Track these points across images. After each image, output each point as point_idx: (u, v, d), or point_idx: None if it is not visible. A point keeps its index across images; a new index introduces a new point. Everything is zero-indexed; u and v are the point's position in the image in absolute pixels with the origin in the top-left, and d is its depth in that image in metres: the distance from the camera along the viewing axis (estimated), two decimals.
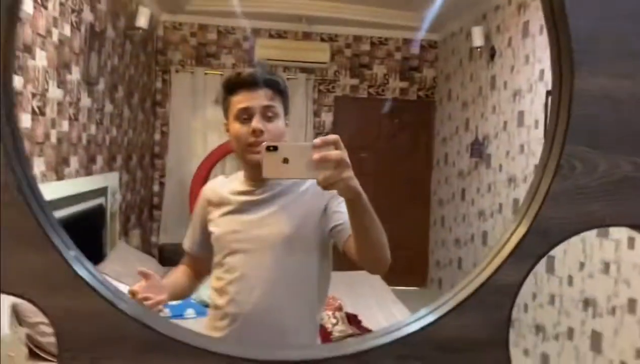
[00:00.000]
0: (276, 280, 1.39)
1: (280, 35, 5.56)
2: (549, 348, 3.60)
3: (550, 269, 3.61)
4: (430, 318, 0.50)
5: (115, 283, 3.18)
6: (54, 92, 2.93)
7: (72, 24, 3.13)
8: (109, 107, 3.89)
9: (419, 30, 5.50)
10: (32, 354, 2.33)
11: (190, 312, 3.16)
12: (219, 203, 1.48)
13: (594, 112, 0.49)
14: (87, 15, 3.37)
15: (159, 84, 5.42)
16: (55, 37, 2.91)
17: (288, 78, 5.35)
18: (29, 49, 2.60)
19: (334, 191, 1.11)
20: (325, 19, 5.31)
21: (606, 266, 3.02)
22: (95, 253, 3.52)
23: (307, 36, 5.59)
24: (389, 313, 3.37)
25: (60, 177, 3.04)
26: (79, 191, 3.19)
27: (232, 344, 0.53)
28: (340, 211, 1.34)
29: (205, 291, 3.37)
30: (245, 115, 1.38)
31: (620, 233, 2.92)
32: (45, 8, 2.78)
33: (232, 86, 1.41)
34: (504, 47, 4.33)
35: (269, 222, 1.40)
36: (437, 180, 5.83)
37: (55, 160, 2.98)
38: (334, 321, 2.87)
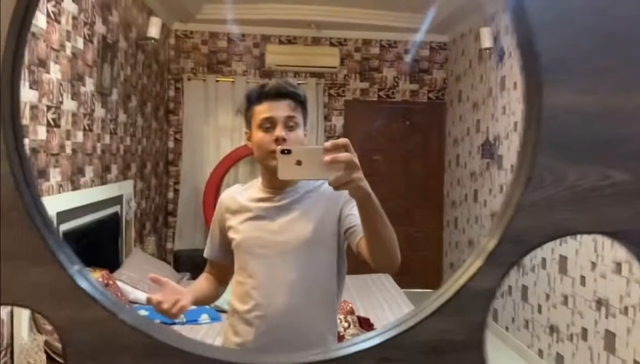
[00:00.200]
0: (298, 281, 1.45)
1: (290, 40, 5.61)
2: (563, 349, 3.59)
3: (563, 269, 3.60)
4: (412, 322, 0.53)
5: (130, 289, 3.25)
6: (68, 104, 3.00)
7: (84, 37, 3.20)
8: (122, 117, 3.96)
9: (428, 32, 5.52)
10: (50, 360, 2.39)
11: (204, 317, 3.20)
12: (238, 210, 1.53)
13: (562, 126, 0.52)
14: (100, 28, 3.44)
15: (171, 92, 5.50)
16: (68, 51, 2.98)
17: (298, 83, 5.37)
18: (43, 63, 2.67)
19: (348, 196, 1.22)
20: (334, 23, 5.35)
21: (618, 266, 3.01)
22: (112, 261, 3.58)
23: (316, 41, 5.64)
24: (401, 315, 3.39)
25: (75, 187, 3.11)
26: (95, 200, 3.26)
27: (227, 351, 0.56)
28: (353, 214, 1.40)
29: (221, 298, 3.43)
30: (269, 124, 1.45)
31: None
32: (59, 22, 2.85)
33: (257, 97, 1.49)
34: (513, 47, 4.33)
35: (290, 228, 1.47)
36: (449, 181, 5.83)
37: (71, 170, 3.05)
38: (345, 324, 2.90)
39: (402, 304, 3.63)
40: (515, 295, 4.33)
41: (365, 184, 1.14)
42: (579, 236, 3.21)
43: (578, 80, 0.52)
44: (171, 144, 5.53)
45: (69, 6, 2.98)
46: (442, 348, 0.52)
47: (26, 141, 2.51)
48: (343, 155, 1.07)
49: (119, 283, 3.16)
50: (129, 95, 4.13)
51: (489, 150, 4.67)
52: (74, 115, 3.07)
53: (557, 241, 2.95)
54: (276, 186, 1.50)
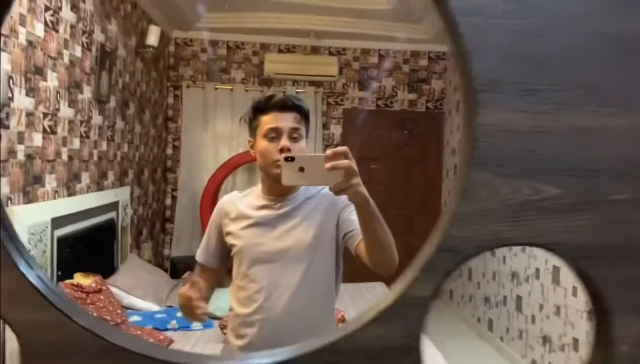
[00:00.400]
0: (300, 284, 1.51)
1: (289, 49, 5.66)
2: (555, 359, 3.60)
3: (556, 280, 3.62)
4: (354, 327, 0.56)
5: (125, 295, 3.27)
6: (65, 111, 3.04)
7: (82, 45, 3.25)
8: (120, 124, 4.00)
9: (426, 42, 5.56)
10: None
11: (197, 324, 3.22)
12: (238, 217, 1.59)
13: (496, 143, 0.55)
14: (98, 36, 3.49)
15: (170, 100, 5.55)
16: (66, 59, 3.02)
17: (297, 92, 5.45)
18: (40, 71, 2.71)
19: (346, 202, 1.35)
20: (333, 33, 5.40)
21: None
22: (107, 266, 3.61)
23: (315, 50, 5.69)
24: None
25: (71, 193, 3.14)
26: (90, 206, 3.30)
27: (177, 353, 0.59)
28: (351, 219, 1.47)
29: (210, 304, 3.45)
30: (274, 134, 1.52)
31: None
32: (57, 31, 2.89)
33: (264, 107, 1.56)
34: None
35: (291, 234, 1.53)
36: (447, 191, 5.85)
37: (67, 176, 3.08)
38: None
39: None
40: (510, 305, 4.34)
41: (363, 189, 1.22)
42: None
43: (512, 101, 0.55)
44: (169, 151, 5.57)
45: (67, 15, 3.02)
46: (381, 353, 0.55)
47: (21, 147, 2.54)
48: (343, 162, 1.15)
49: (113, 289, 3.18)
50: (127, 103, 4.17)
51: None
52: (70, 122, 3.11)
53: None
54: (276, 193, 1.57)
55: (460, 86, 0.57)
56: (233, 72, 5.62)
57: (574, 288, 3.39)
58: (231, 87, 5.52)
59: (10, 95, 2.42)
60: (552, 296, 3.67)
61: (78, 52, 3.19)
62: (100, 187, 3.61)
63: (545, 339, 3.74)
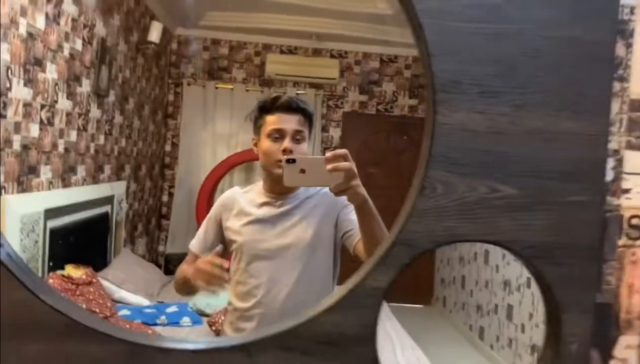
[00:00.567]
0: (299, 281, 1.55)
1: (291, 50, 5.68)
2: None
3: None
4: (311, 315, 0.58)
5: (115, 288, 3.29)
6: (63, 104, 3.06)
7: (83, 39, 3.27)
8: (118, 118, 4.03)
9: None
10: None
11: (186, 320, 3.24)
12: (239, 213, 1.62)
13: (455, 142, 0.57)
14: (100, 30, 3.52)
15: (171, 97, 5.57)
16: (66, 52, 3.04)
17: (297, 93, 5.47)
18: (39, 63, 2.73)
19: (346, 202, 1.41)
20: (335, 36, 5.42)
21: None
22: (99, 260, 3.63)
23: (317, 52, 5.71)
24: (382, 328, 3.41)
25: (66, 185, 3.16)
26: (85, 199, 3.31)
27: (135, 333, 0.60)
28: (350, 219, 1.52)
29: (201, 300, 3.47)
30: (277, 135, 1.56)
31: None
32: (58, 24, 2.92)
33: (269, 107, 1.60)
34: None
35: (290, 232, 1.57)
36: None
37: (62, 168, 3.10)
38: None
39: (385, 318, 3.65)
40: (500, 313, 4.35)
41: (363, 190, 1.27)
42: None
43: (471, 102, 0.57)
44: (168, 148, 5.59)
45: (69, 8, 3.05)
46: (337, 340, 0.57)
47: (17, 137, 2.57)
48: (343, 164, 1.19)
49: (104, 282, 3.20)
50: (127, 98, 4.19)
51: None
52: (68, 114, 3.13)
53: None
54: (278, 192, 1.60)
55: (426, 85, 0.59)
56: (234, 71, 5.65)
57: None
58: (232, 87, 5.54)
59: (8, 85, 2.44)
60: (542, 306, 3.67)
61: (79, 45, 3.21)
62: (96, 180, 3.63)
63: (534, 349, 3.75)
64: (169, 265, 5.02)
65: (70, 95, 3.15)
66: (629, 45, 0.62)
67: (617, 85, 0.61)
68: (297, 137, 1.56)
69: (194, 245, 1.70)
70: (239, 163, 5.19)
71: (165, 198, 5.58)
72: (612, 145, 0.62)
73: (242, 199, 1.65)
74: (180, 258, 5.24)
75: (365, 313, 0.57)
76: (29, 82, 2.65)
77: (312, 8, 4.77)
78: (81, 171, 3.38)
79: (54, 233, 2.88)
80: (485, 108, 0.57)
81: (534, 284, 3.83)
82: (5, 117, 2.44)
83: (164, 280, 4.12)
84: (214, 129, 5.52)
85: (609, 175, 0.62)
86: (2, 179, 2.45)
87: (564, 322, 0.59)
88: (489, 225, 0.57)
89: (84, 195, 3.30)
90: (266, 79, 5.59)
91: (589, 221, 0.58)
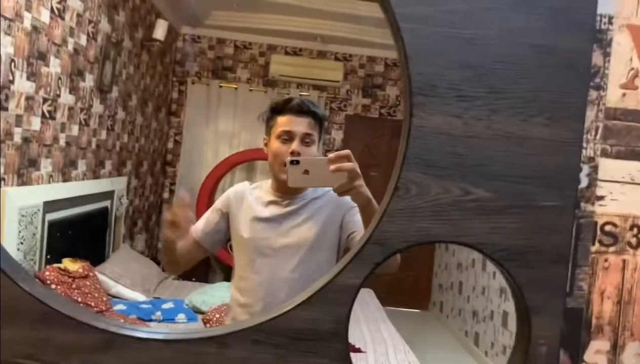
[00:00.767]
0: (300, 279, 1.56)
1: (295, 52, 5.70)
2: None
3: None
4: (284, 310, 0.59)
5: (112, 283, 3.31)
6: (66, 98, 3.08)
7: (88, 34, 3.29)
8: (121, 114, 4.05)
9: None
10: None
11: (181, 317, 3.25)
12: (246, 209, 1.65)
13: (430, 145, 0.58)
14: (105, 26, 3.54)
15: (175, 94, 5.59)
16: (70, 46, 3.07)
17: (300, 95, 5.49)
18: (43, 57, 2.75)
19: (352, 204, 1.43)
20: (340, 38, 5.43)
21: None
22: (98, 254, 3.65)
23: (321, 54, 5.72)
24: (376, 331, 3.42)
25: (66, 179, 3.18)
26: (85, 193, 3.33)
27: (109, 322, 0.62)
28: (356, 220, 1.53)
29: (197, 297, 3.48)
30: (287, 137, 1.57)
31: None
32: (62, 19, 2.94)
33: (281, 109, 1.62)
34: None
35: (296, 231, 1.59)
36: None
37: (63, 162, 3.12)
38: None
39: (379, 320, 3.66)
40: (496, 320, 4.35)
41: (366, 190, 1.28)
42: None
43: (447, 105, 0.58)
44: (170, 145, 5.61)
45: (75, 3, 3.07)
46: (309, 335, 0.58)
47: (18, 130, 2.59)
48: (346, 165, 1.21)
49: (101, 277, 3.22)
50: (130, 94, 4.21)
51: None
52: (70, 108, 3.15)
53: None
54: (285, 191, 1.62)
55: (404, 88, 0.60)
56: (239, 71, 5.67)
57: None
58: (236, 86, 5.57)
59: (11, 78, 2.46)
60: None
61: (83, 40, 3.24)
62: (96, 175, 3.65)
63: None
64: None
65: (73, 89, 3.17)
66: (606, 55, 0.63)
67: (593, 93, 0.62)
68: (306, 140, 1.58)
69: (195, 229, 1.71)
70: (240, 163, 5.20)
71: (166, 195, 5.61)
72: (588, 152, 0.63)
73: (251, 195, 1.67)
74: None
75: (337, 310, 0.58)
76: (32, 75, 2.67)
77: (318, 10, 4.78)
78: (82, 165, 3.40)
79: (53, 226, 2.90)
80: (461, 112, 0.58)
81: None
82: (7, 109, 2.46)
83: (162, 276, 4.13)
84: (216, 128, 5.54)
85: (584, 182, 0.63)
86: (2, 171, 2.47)
87: (534, 324, 0.60)
88: (462, 227, 0.58)
89: (84, 190, 3.32)
90: (270, 80, 5.61)
91: (561, 226, 0.59)
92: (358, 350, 3.02)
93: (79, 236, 3.26)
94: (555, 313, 0.59)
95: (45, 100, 2.83)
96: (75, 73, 3.17)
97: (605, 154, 0.64)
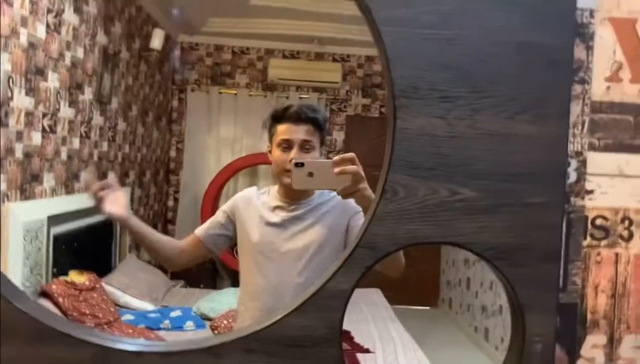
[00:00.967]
0: (305, 284, 1.56)
1: (293, 55, 5.71)
2: None
3: None
4: (278, 317, 0.59)
5: (120, 293, 3.32)
6: (65, 111, 3.10)
7: (85, 47, 3.31)
8: (122, 125, 4.06)
9: None
10: None
11: (189, 324, 3.26)
12: (253, 214, 1.67)
13: (415, 147, 0.58)
14: (101, 38, 3.55)
15: (175, 103, 5.61)
16: (67, 60, 3.08)
17: (300, 98, 5.50)
18: (40, 72, 2.77)
19: (358, 209, 1.46)
20: (337, 39, 5.44)
21: None
22: (104, 265, 3.66)
23: (319, 56, 5.73)
24: (384, 330, 3.42)
25: (69, 192, 3.19)
26: (88, 205, 3.33)
27: (104, 337, 0.62)
28: (361, 225, 1.51)
29: (205, 304, 3.49)
30: (286, 145, 1.61)
31: None
32: (59, 33, 2.95)
33: (280, 117, 1.64)
34: None
35: (302, 236, 1.61)
36: None
37: (65, 175, 3.14)
38: None
39: (387, 319, 3.66)
40: (505, 314, 4.33)
41: (370, 193, 1.27)
42: None
43: (430, 107, 0.58)
44: (173, 153, 5.63)
45: (70, 17, 3.08)
46: (302, 341, 0.58)
47: (19, 146, 2.60)
48: (350, 168, 1.21)
49: (108, 288, 3.23)
50: (130, 104, 4.23)
51: None
52: (70, 122, 3.17)
53: None
54: (291, 196, 1.65)
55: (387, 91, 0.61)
56: (237, 76, 5.68)
57: None
58: (235, 92, 5.58)
59: (10, 94, 2.47)
60: None
61: (80, 53, 3.25)
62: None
63: None
64: None
65: (73, 103, 3.18)
66: (589, 48, 0.63)
67: (578, 88, 0.62)
68: (306, 147, 1.60)
69: (199, 229, 1.74)
70: (243, 168, 5.21)
71: (170, 203, 5.62)
72: (575, 147, 0.63)
73: (258, 200, 1.70)
74: None
75: (330, 315, 0.58)
76: (31, 90, 2.68)
77: (313, 12, 4.79)
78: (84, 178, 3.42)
79: (58, 239, 2.91)
80: (444, 113, 0.58)
81: None
82: (7, 126, 2.47)
83: (169, 285, 4.15)
84: (218, 134, 5.56)
85: (572, 177, 0.63)
86: (2, 187, 2.49)
87: (528, 322, 0.60)
88: (450, 227, 0.58)
89: (87, 202, 3.32)
90: (269, 84, 5.62)
91: (549, 222, 0.59)
92: (366, 351, 3.02)
93: (84, 248, 3.27)
94: (548, 309, 0.59)
95: (45, 114, 2.85)
96: (74, 86, 3.18)
97: (592, 148, 0.64)
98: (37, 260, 2.72)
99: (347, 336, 3.14)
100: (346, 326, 3.28)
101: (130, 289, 3.48)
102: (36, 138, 2.78)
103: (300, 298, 0.59)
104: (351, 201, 1.33)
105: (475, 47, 0.57)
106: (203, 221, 5.22)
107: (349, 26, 5.21)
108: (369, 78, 5.86)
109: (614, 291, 0.65)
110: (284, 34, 5.34)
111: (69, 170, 3.19)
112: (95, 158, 3.58)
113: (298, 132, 1.60)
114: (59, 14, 2.94)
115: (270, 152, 1.69)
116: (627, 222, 0.65)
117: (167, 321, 3.21)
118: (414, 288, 5.71)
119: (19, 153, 2.60)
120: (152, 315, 3.26)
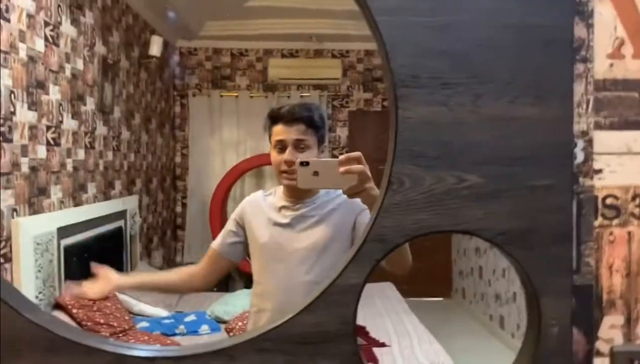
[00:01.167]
0: (315, 283, 1.58)
1: (292, 54, 5.70)
2: None
3: None
4: (290, 315, 0.59)
5: (135, 302, 3.33)
6: (69, 123, 3.11)
7: (84, 58, 3.31)
8: (125, 134, 4.07)
9: None
10: None
11: (204, 328, 3.27)
12: (260, 215, 1.68)
13: (418, 136, 0.57)
14: (100, 48, 3.56)
15: (177, 108, 5.62)
16: (68, 72, 3.09)
17: (301, 96, 5.49)
18: (41, 85, 2.78)
19: (363, 207, 1.44)
20: (335, 35, 5.42)
21: None
22: None
23: (318, 53, 5.72)
24: (399, 323, 3.41)
25: (77, 203, 3.20)
26: (97, 215, 3.35)
27: (118, 344, 0.62)
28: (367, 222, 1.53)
29: (219, 308, 3.49)
30: (280, 146, 1.61)
31: None
32: (57, 46, 2.96)
33: (274, 119, 1.65)
34: None
35: (309, 235, 1.62)
36: None
37: (72, 187, 3.15)
38: None
39: (402, 312, 3.65)
40: (520, 301, 4.32)
41: (376, 192, 1.27)
42: None
43: (431, 95, 0.57)
44: (178, 159, 5.64)
45: (68, 29, 3.09)
46: (316, 338, 0.58)
47: (25, 160, 2.61)
48: (356, 167, 1.21)
49: (122, 296, 3.24)
50: (132, 113, 4.24)
51: None
52: (74, 133, 3.18)
53: None
54: (296, 196, 1.65)
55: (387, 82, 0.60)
56: (238, 78, 5.68)
57: None
58: (236, 94, 5.58)
59: (12, 109, 2.48)
60: None
61: (80, 65, 3.26)
62: (107, 197, 3.68)
63: None
64: None
65: (75, 114, 3.19)
66: (589, 26, 0.62)
67: (580, 67, 0.61)
68: (300, 146, 1.59)
69: (215, 242, 1.76)
70: (248, 170, 5.21)
71: (179, 209, 5.63)
72: (581, 127, 0.62)
73: (265, 202, 1.71)
74: None
75: (342, 310, 0.58)
76: (33, 104, 2.69)
77: (309, 10, 4.78)
78: (92, 188, 3.43)
79: (69, 251, 2.92)
80: (445, 100, 0.57)
81: None
82: (11, 140, 2.48)
83: None
84: (221, 137, 5.56)
85: (580, 157, 0.62)
86: (12, 202, 2.49)
87: (543, 306, 0.59)
88: (459, 215, 0.58)
89: (96, 212, 3.34)
90: (270, 84, 5.62)
91: (558, 204, 0.58)
92: (382, 344, 3.01)
93: (95, 258, 3.27)
94: (563, 292, 0.59)
95: (48, 127, 2.86)
96: (75, 98, 3.19)
97: (598, 127, 0.63)
98: (49, 273, 2.73)
99: (362, 331, 3.13)
100: (361, 321, 3.29)
101: (144, 296, 3.49)
102: (41, 151, 2.79)
103: (311, 295, 0.58)
104: (357, 199, 1.33)
105: (472, 32, 0.57)
106: (212, 225, 5.26)
107: (346, 21, 5.20)
108: (369, 72, 5.84)
109: (629, 270, 0.64)
110: (281, 33, 5.33)
111: (76, 182, 3.20)
112: (101, 168, 3.59)
113: (291, 132, 1.59)
114: (56, 26, 2.95)
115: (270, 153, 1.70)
116: (638, 200, 0.64)
117: (182, 326, 3.22)
118: (427, 279, 5.69)
119: (25, 168, 2.61)
120: (167, 321, 3.27)
